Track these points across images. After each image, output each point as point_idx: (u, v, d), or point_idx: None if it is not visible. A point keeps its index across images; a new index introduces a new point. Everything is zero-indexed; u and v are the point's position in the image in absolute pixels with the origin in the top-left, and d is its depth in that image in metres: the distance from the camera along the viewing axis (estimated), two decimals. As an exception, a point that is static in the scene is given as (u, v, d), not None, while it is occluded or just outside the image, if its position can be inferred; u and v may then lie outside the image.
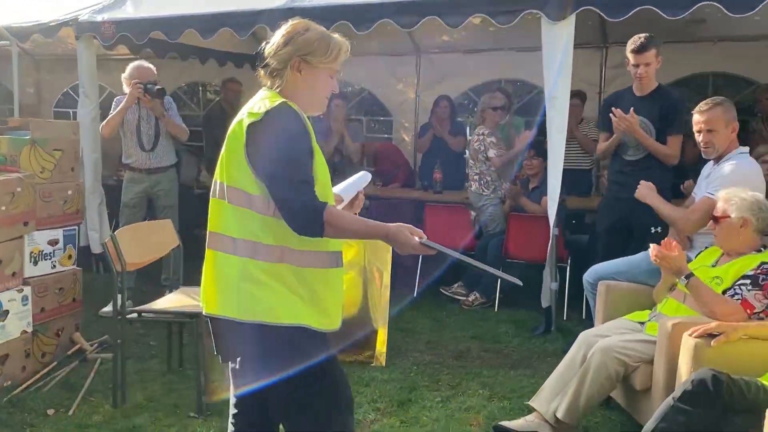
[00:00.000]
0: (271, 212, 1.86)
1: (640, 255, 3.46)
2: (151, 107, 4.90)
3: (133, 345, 4.19)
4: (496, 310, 5.12)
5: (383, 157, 6.89)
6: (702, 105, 3.33)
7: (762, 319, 2.79)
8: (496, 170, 5.35)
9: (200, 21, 5.25)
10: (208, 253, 1.96)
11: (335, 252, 1.98)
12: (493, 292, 5.18)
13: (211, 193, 1.98)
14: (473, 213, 5.69)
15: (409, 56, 7.60)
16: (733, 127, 3.29)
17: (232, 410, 2.15)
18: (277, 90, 1.94)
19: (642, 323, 3.11)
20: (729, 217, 2.90)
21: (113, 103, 5.03)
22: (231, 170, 1.89)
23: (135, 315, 3.34)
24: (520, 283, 1.98)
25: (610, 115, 3.99)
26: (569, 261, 4.99)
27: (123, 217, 5.06)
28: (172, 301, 3.50)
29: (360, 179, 2.38)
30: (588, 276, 3.65)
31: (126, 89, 4.87)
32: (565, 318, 4.88)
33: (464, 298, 5.26)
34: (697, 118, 3.33)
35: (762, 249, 2.93)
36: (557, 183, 4.38)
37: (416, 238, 1.87)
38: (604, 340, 3.00)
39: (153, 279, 5.01)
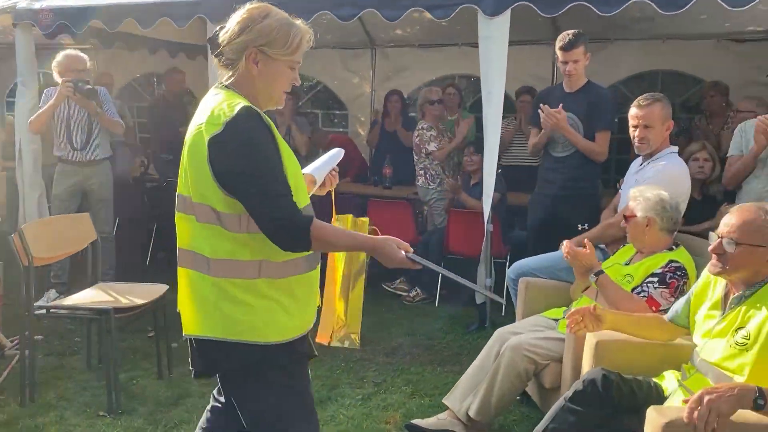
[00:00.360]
0: (244, 229, 1.76)
1: (560, 252, 3.44)
2: (83, 106, 4.77)
3: (57, 341, 4.10)
4: (436, 305, 5.10)
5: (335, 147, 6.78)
6: (641, 100, 3.30)
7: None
8: (440, 163, 5.33)
9: (139, 10, 5.14)
10: (181, 272, 1.86)
11: (313, 254, 1.90)
12: (434, 288, 5.15)
13: (175, 206, 1.86)
14: (426, 208, 5.66)
15: (364, 50, 7.55)
16: (668, 125, 3.28)
17: (212, 400, 2.15)
18: (231, 83, 1.80)
19: (557, 320, 3.10)
20: (636, 216, 2.90)
21: (43, 95, 4.90)
22: (197, 186, 1.76)
23: (44, 311, 3.24)
24: (503, 302, 1.96)
25: (539, 111, 3.96)
26: (509, 257, 4.97)
27: (54, 209, 4.94)
28: (87, 297, 3.42)
29: (332, 158, 2.32)
30: (511, 272, 3.64)
31: (57, 78, 4.74)
32: (503, 314, 4.86)
33: (406, 293, 5.23)
34: (634, 112, 3.29)
35: (673, 247, 2.93)
36: (491, 179, 4.35)
37: (402, 252, 1.83)
38: (516, 337, 2.98)
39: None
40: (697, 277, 2.85)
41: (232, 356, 1.80)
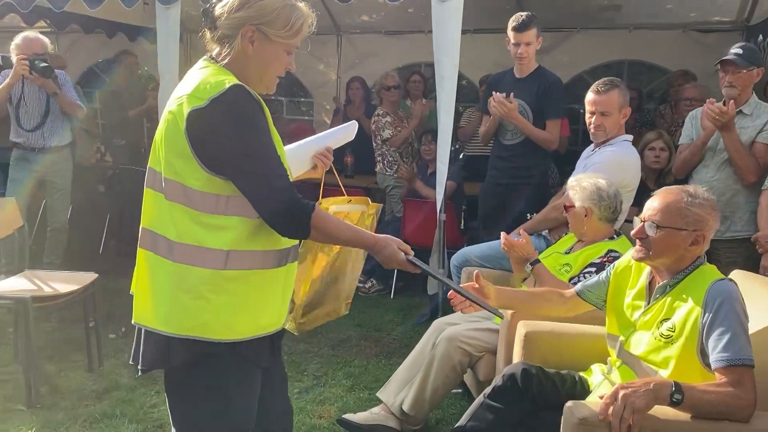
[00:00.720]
0: (221, 210, 1.62)
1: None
2: (40, 84, 4.57)
3: (-9, 331, 3.93)
4: (391, 296, 4.99)
5: (297, 139, 6.62)
6: (600, 85, 3.14)
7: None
8: (397, 150, 5.21)
9: (85, -12, 4.94)
10: (141, 254, 1.71)
11: (290, 247, 1.75)
12: (390, 279, 5.04)
13: (145, 181, 1.71)
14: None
15: (330, 36, 7.37)
16: (625, 112, 3.15)
17: None
18: (223, 62, 1.67)
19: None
20: (574, 206, 2.80)
21: None
22: (170, 161, 1.63)
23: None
24: (502, 316, 1.85)
25: (489, 99, 3.84)
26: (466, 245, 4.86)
27: (8, 195, 4.72)
28: (8, 285, 3.26)
29: (342, 132, 2.17)
30: (454, 259, 3.53)
31: (14, 60, 4.53)
32: (457, 306, 4.76)
33: (362, 285, 5.11)
34: (592, 98, 3.15)
35: (614, 237, 2.83)
36: (445, 168, 4.23)
37: (402, 254, 1.74)
38: (451, 328, 2.87)
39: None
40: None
41: (179, 353, 1.65)
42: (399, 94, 5.43)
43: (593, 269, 2.70)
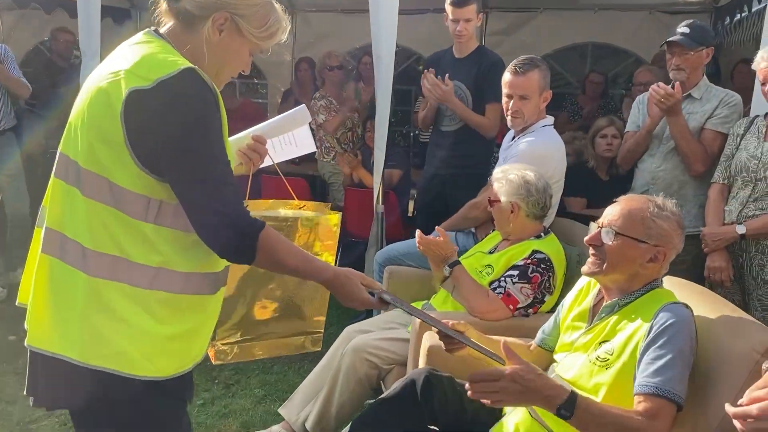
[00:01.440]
0: (151, 218, 1.35)
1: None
2: None
3: None
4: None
5: (238, 118, 6.13)
6: (517, 65, 2.78)
7: (527, 315, 2.40)
8: (333, 135, 4.89)
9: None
10: (43, 260, 1.40)
11: (224, 270, 1.51)
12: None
13: (54, 170, 1.42)
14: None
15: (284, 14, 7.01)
16: (546, 96, 2.82)
17: None
18: (176, 41, 1.41)
19: (415, 317, 2.68)
20: (500, 201, 2.49)
21: None
22: (95, 147, 1.34)
23: None
24: (503, 361, 1.55)
25: (423, 80, 3.51)
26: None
27: None
28: None
29: (289, 119, 1.86)
30: (378, 257, 3.21)
31: None
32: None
33: (301, 279, 4.79)
34: (509, 79, 2.79)
35: (542, 235, 2.53)
36: (382, 155, 3.91)
37: (365, 291, 1.55)
38: (359, 338, 2.57)
39: None
40: (567, 270, 2.48)
41: (88, 388, 1.36)
42: (342, 76, 5.08)
43: (515, 272, 2.40)
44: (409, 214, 4.87)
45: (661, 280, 1.79)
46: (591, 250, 1.77)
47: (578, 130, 4.68)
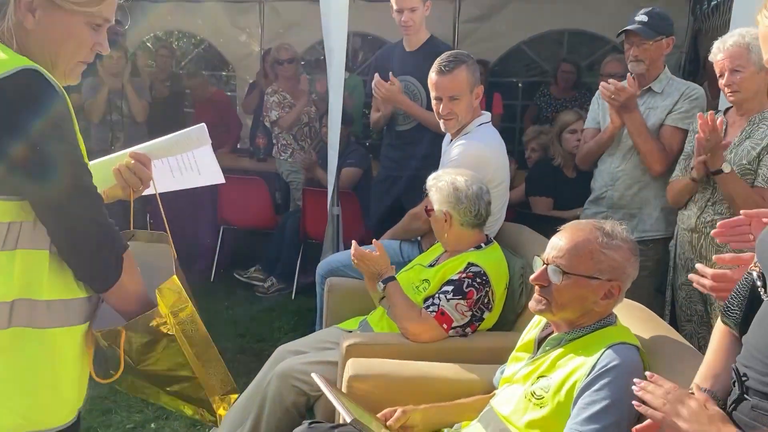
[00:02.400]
0: (10, 245, 1.18)
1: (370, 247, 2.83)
2: None
3: None
4: (293, 297, 4.48)
5: (210, 109, 5.70)
6: (442, 64, 2.57)
7: (465, 335, 2.20)
8: (289, 132, 4.67)
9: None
10: None
11: (90, 297, 1.32)
12: (291, 277, 4.53)
13: None
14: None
15: (252, 4, 6.77)
16: (478, 92, 2.61)
17: None
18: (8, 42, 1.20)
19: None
20: (434, 210, 2.30)
21: None
22: None
23: None
24: None
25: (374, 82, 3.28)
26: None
27: None
28: None
29: (186, 138, 1.57)
30: (320, 269, 3.00)
31: None
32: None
33: (260, 284, 4.59)
34: (435, 80, 2.58)
35: (482, 246, 2.33)
36: (335, 153, 3.71)
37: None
38: (286, 361, 2.37)
39: None
40: (508, 284, 2.29)
41: None
42: (296, 69, 4.85)
43: (450, 288, 2.20)
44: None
45: (615, 316, 1.61)
46: (537, 289, 1.60)
47: (545, 124, 4.48)
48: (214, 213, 4.80)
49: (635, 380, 1.16)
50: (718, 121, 2.16)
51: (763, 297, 1.05)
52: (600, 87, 2.58)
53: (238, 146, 6.57)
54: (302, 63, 6.22)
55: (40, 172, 1.15)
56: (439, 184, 2.28)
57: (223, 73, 7.25)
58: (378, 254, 2.29)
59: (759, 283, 1.07)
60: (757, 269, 1.10)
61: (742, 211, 1.30)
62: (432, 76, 2.60)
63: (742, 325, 1.13)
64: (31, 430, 1.24)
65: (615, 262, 1.54)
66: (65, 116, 1.17)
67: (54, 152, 1.16)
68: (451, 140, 2.69)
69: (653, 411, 1.09)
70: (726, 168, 2.20)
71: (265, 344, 3.74)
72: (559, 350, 1.56)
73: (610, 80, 2.58)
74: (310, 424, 1.84)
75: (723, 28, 4.79)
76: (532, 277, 1.61)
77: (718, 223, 1.37)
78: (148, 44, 6.88)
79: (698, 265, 1.32)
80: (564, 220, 3.52)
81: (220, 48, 7.05)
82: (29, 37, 1.20)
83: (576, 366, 1.49)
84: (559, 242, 1.59)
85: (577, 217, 3.20)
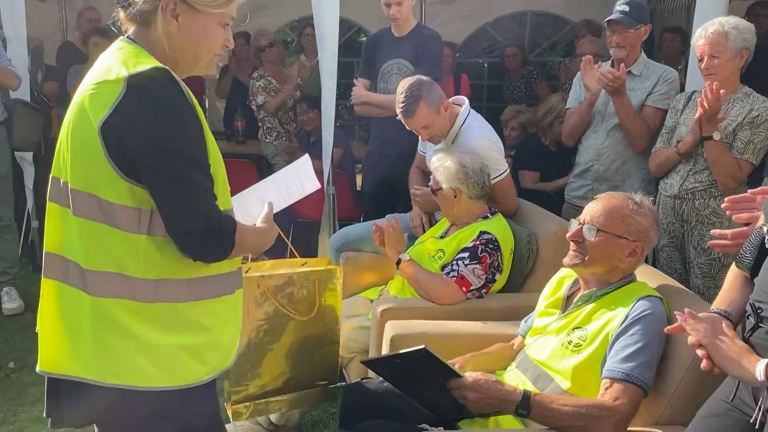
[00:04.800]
0: (144, 229, 1.34)
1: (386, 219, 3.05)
2: None
3: None
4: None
5: None
6: (401, 108, 2.68)
7: (481, 296, 2.46)
8: (274, 116, 4.81)
9: None
10: (47, 285, 1.41)
11: (233, 272, 1.49)
12: (282, 257, 4.69)
13: (48, 194, 1.42)
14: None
15: (218, -15, 6.77)
16: (443, 107, 2.73)
17: None
18: (143, 44, 1.38)
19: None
20: (442, 188, 2.54)
21: None
22: (80, 165, 1.34)
23: None
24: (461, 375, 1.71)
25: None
26: (362, 219, 4.56)
27: None
28: None
29: (298, 171, 1.76)
30: (334, 242, 3.20)
31: None
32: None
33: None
34: (405, 121, 2.73)
35: (489, 216, 2.59)
36: (330, 136, 3.89)
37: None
38: (319, 327, 2.57)
39: None
40: (514, 249, 2.56)
41: (110, 405, 1.38)
42: (279, 53, 4.98)
43: (466, 254, 2.46)
44: (358, 188, 4.86)
45: (635, 275, 1.88)
46: (572, 245, 1.85)
47: (521, 103, 4.75)
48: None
49: (677, 314, 1.41)
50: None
51: None
52: (599, 74, 2.83)
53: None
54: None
55: (156, 162, 1.31)
56: (445, 164, 2.54)
57: (191, 57, 7.25)
58: (396, 235, 2.54)
59: (769, 236, 1.36)
60: (767, 226, 1.37)
61: (749, 191, 1.57)
62: (400, 116, 2.75)
63: (753, 269, 1.41)
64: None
65: (642, 226, 1.80)
66: (188, 112, 1.33)
67: (173, 144, 1.31)
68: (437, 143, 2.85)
69: (700, 337, 1.35)
70: (716, 136, 2.52)
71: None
72: (591, 305, 1.81)
73: (608, 68, 2.84)
74: (362, 379, 2.05)
75: (678, 10, 5.17)
76: (569, 234, 1.85)
77: (726, 198, 1.63)
78: (114, 28, 6.81)
79: (715, 231, 1.59)
80: (549, 195, 3.82)
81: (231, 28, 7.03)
82: (174, 40, 1.39)
83: (610, 317, 1.74)
84: (596, 206, 1.85)
85: (561, 187, 3.51)
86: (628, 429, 1.65)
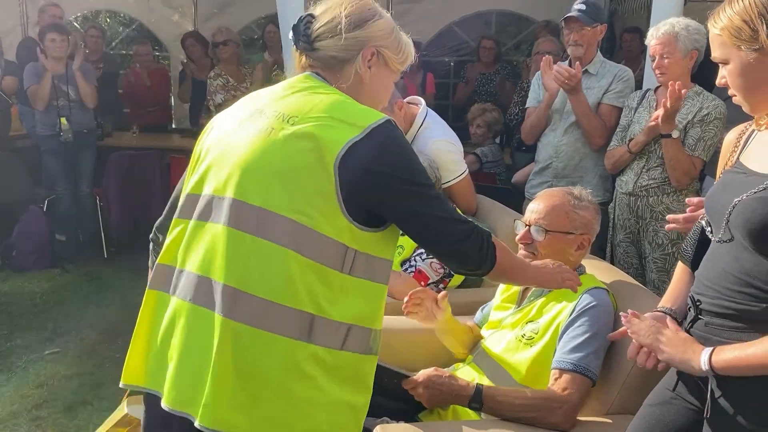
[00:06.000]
0: (347, 268, 1.27)
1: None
2: None
3: None
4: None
5: (137, 93, 5.77)
6: None
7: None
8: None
9: None
10: (214, 320, 1.25)
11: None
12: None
13: (195, 213, 1.32)
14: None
15: (185, -18, 6.72)
16: (399, 105, 2.75)
17: None
18: (334, 85, 1.37)
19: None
20: None
21: None
22: (297, 196, 1.25)
23: None
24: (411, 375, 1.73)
25: None
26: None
27: None
28: None
29: None
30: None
31: None
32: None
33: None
34: None
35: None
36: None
37: None
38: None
39: None
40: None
41: None
42: (235, 51, 4.96)
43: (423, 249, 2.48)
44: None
45: (583, 266, 1.93)
46: (521, 246, 1.89)
47: (486, 100, 4.80)
48: (166, 194, 4.86)
49: (622, 315, 1.45)
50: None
51: (711, 237, 1.38)
52: (554, 72, 2.88)
53: (173, 125, 6.59)
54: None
55: (411, 199, 1.31)
56: None
57: (156, 53, 7.16)
58: None
59: (708, 229, 1.40)
60: (705, 219, 1.42)
61: (687, 205, 1.62)
62: None
63: (694, 262, 1.46)
64: None
65: (585, 219, 1.86)
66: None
67: (419, 180, 1.33)
68: None
69: (639, 338, 1.39)
70: (675, 134, 2.58)
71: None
72: (542, 299, 1.85)
73: (564, 66, 2.90)
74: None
75: (638, 11, 5.28)
76: (518, 237, 1.89)
77: (668, 217, 1.68)
78: (76, 24, 6.71)
79: (670, 216, 1.66)
80: (509, 190, 3.86)
81: (152, 28, 6.97)
82: (363, 89, 1.40)
83: (559, 310, 1.79)
84: (537, 206, 1.89)
85: (522, 184, 3.56)
86: (579, 419, 1.70)
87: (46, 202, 4.85)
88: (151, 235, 1.71)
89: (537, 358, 1.78)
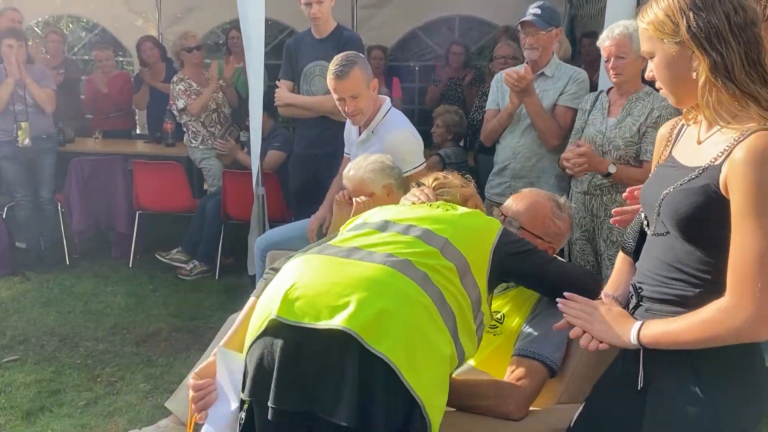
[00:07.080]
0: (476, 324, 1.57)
1: (308, 219, 3.09)
2: None
3: None
4: (216, 278, 4.63)
5: (97, 99, 5.70)
6: (336, 69, 2.74)
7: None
8: (197, 119, 4.77)
9: None
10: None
11: None
12: (213, 259, 4.67)
13: (384, 229, 1.60)
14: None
15: (148, -14, 6.68)
16: (373, 85, 2.83)
17: None
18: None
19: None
20: (374, 193, 2.57)
21: None
22: (463, 237, 1.58)
23: None
24: None
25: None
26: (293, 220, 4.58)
27: None
28: None
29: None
30: (259, 243, 3.22)
31: None
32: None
33: (183, 265, 4.69)
34: (334, 84, 2.77)
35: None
36: (257, 137, 3.89)
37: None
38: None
39: None
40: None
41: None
42: (203, 56, 4.96)
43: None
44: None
45: None
46: None
47: (453, 104, 4.86)
48: (128, 200, 4.82)
49: (558, 300, 1.50)
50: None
51: (647, 230, 1.44)
52: (504, 75, 2.96)
53: (137, 131, 6.52)
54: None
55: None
56: (369, 167, 2.57)
57: (119, 59, 7.09)
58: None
59: (645, 222, 1.46)
60: (645, 212, 1.48)
61: (626, 193, 1.69)
62: (330, 80, 2.79)
63: (635, 253, 1.51)
64: None
65: (559, 230, 1.90)
66: None
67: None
68: (361, 131, 2.94)
69: (573, 319, 1.45)
70: (612, 169, 2.67)
71: (199, 321, 3.91)
72: (511, 291, 1.89)
73: (513, 69, 2.97)
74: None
75: (597, 15, 5.39)
76: None
77: (614, 211, 1.72)
78: (37, 29, 6.62)
79: (616, 209, 1.71)
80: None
81: (116, 33, 6.91)
82: None
83: (523, 302, 1.83)
84: (520, 201, 1.92)
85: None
86: (531, 409, 1.74)
87: (6, 209, 4.78)
88: None
89: (499, 348, 1.81)
